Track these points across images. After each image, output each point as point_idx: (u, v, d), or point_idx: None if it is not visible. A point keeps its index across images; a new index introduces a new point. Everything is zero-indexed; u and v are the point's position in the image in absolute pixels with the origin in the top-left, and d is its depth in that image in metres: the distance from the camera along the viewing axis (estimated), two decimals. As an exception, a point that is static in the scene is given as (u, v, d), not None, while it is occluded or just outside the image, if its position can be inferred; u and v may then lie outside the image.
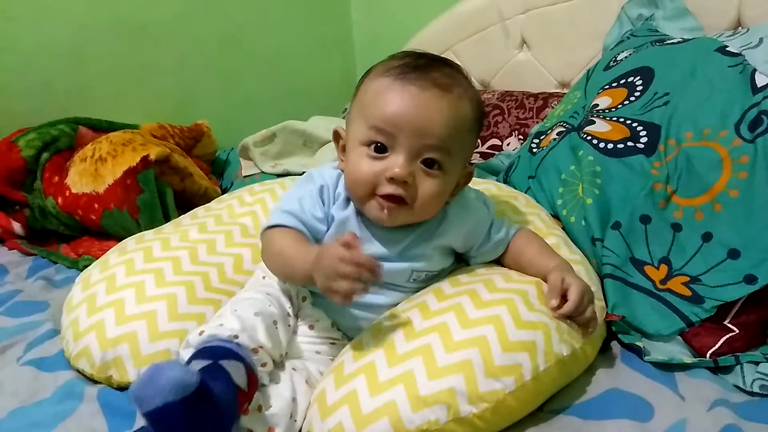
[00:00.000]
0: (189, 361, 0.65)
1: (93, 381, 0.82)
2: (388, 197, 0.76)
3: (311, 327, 0.81)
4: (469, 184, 0.88)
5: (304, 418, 0.71)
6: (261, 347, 0.69)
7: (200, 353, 0.66)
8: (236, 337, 0.67)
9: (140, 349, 0.79)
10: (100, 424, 0.74)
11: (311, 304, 0.83)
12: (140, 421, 0.72)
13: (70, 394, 0.79)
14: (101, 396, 0.78)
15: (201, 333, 0.68)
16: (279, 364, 0.75)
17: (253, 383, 0.66)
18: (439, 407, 0.64)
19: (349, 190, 0.81)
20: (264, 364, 0.69)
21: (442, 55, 0.86)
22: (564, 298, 0.75)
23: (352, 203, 0.82)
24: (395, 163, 0.75)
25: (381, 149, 0.76)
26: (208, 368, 0.62)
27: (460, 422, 0.65)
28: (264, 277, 0.84)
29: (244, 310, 0.72)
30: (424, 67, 0.77)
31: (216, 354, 0.64)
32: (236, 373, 0.63)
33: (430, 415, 0.64)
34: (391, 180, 0.75)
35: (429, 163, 0.76)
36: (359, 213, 0.82)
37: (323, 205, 0.81)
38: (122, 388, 0.80)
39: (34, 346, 0.91)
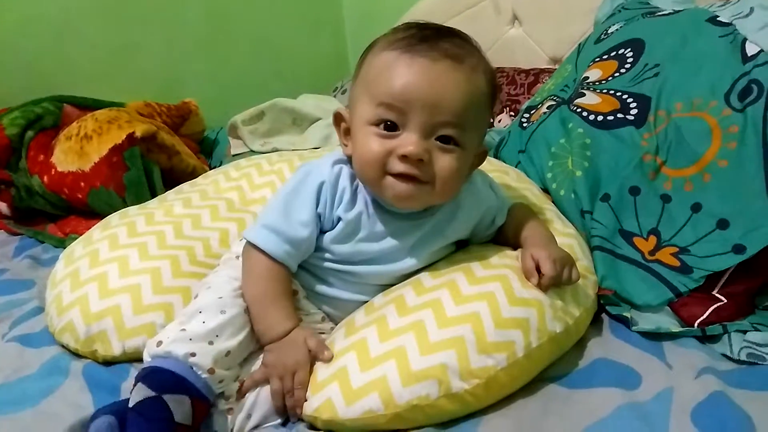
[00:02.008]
0: (136, 382, 0.63)
1: (78, 356, 0.81)
2: (401, 176, 0.71)
3: (299, 320, 0.76)
4: None
5: None
6: (219, 361, 0.66)
7: (150, 376, 0.63)
8: (193, 355, 0.64)
9: (124, 323, 0.79)
10: (86, 399, 0.73)
11: (303, 297, 0.78)
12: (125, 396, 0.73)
13: (55, 369, 0.79)
14: (86, 371, 0.78)
15: (159, 343, 0.65)
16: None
17: (200, 412, 0.64)
18: (431, 382, 0.64)
19: (359, 174, 0.75)
20: (221, 381, 0.66)
21: None
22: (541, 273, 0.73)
23: (360, 196, 0.77)
24: (408, 140, 0.69)
25: (391, 127, 0.70)
26: (149, 403, 0.61)
27: (451, 398, 0.65)
28: (238, 257, 0.80)
29: (211, 308, 0.69)
30: (432, 37, 0.71)
31: (163, 385, 0.62)
32: (179, 409, 0.61)
33: (421, 390, 0.64)
34: (404, 158, 0.69)
35: (444, 140, 0.71)
36: (368, 206, 0.77)
37: (317, 204, 0.75)
38: (107, 362, 0.79)
39: (19, 323, 0.91)
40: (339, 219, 0.76)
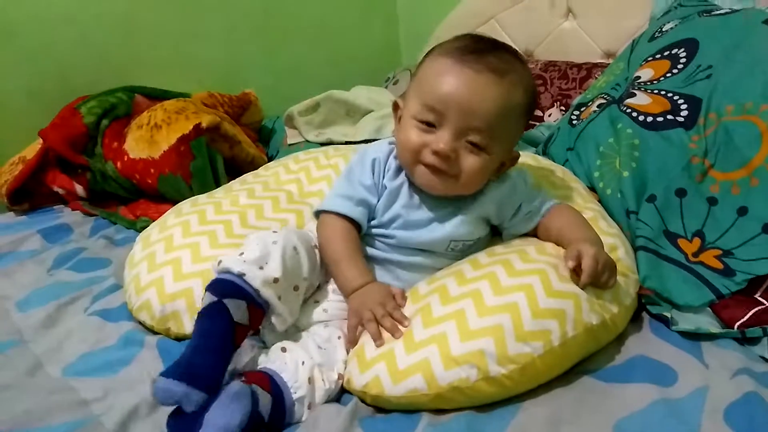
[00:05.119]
0: (205, 291, 0.75)
1: (153, 332, 0.90)
2: (431, 167, 0.82)
3: (374, 278, 0.85)
4: None
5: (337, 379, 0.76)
6: (268, 285, 0.75)
7: (214, 285, 0.74)
8: (243, 274, 0.74)
9: (196, 304, 0.85)
10: (159, 368, 0.79)
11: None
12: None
13: (132, 341, 0.87)
14: (160, 345, 0.86)
15: (219, 263, 0.76)
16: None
17: (256, 316, 0.75)
18: (470, 367, 0.68)
19: (399, 156, 0.88)
20: (280, 297, 0.76)
21: (486, 26, 0.88)
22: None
23: (403, 173, 0.88)
24: (441, 138, 0.80)
25: (430, 124, 0.81)
26: (212, 305, 0.72)
27: (489, 381, 0.69)
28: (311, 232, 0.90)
29: (264, 238, 0.78)
30: (483, 51, 0.81)
31: (224, 291, 0.73)
32: (236, 310, 0.72)
33: (461, 373, 0.68)
34: (435, 153, 0.80)
35: (473, 143, 0.81)
36: (409, 181, 0.88)
37: (373, 175, 0.88)
38: (179, 338, 0.87)
39: (99, 299, 1.00)
40: (385, 187, 0.88)
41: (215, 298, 0.73)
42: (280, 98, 1.88)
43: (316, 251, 0.86)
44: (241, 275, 0.74)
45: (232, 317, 0.72)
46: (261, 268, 0.75)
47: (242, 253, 0.76)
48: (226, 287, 0.74)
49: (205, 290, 0.75)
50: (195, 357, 0.68)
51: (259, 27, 2.03)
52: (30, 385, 0.79)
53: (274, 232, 0.81)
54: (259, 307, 0.75)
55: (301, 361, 0.73)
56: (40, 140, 1.49)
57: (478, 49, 0.81)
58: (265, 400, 0.68)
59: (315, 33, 2.17)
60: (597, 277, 0.76)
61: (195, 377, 0.65)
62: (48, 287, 1.05)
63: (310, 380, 0.72)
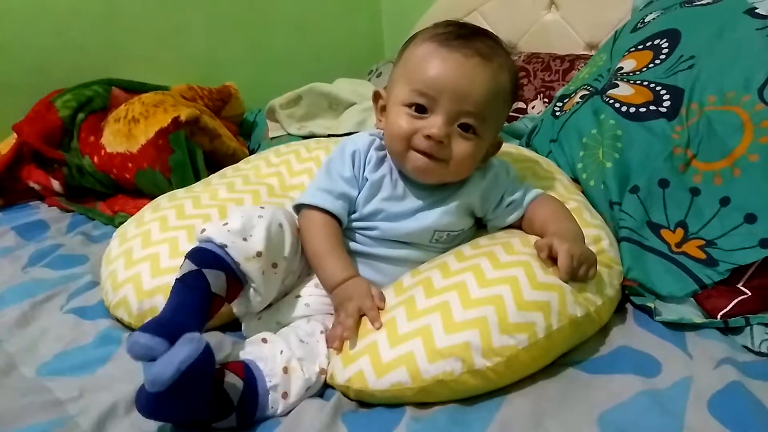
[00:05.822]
0: (184, 260, 0.74)
1: (130, 329, 0.88)
2: (422, 153, 0.81)
3: (357, 272, 0.83)
4: None
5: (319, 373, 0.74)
6: (250, 259, 0.74)
7: (195, 254, 0.74)
8: (226, 246, 0.73)
9: (174, 301, 0.84)
10: (137, 367, 0.77)
11: None
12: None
13: (109, 339, 0.85)
14: (138, 342, 0.84)
15: (203, 231, 0.75)
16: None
17: (234, 289, 0.75)
18: (455, 359, 0.68)
19: (388, 146, 0.87)
20: (263, 272, 0.76)
21: (469, 18, 0.89)
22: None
23: (386, 163, 0.87)
24: (434, 123, 0.79)
25: (421, 110, 0.81)
26: (192, 275, 0.72)
27: (474, 374, 0.68)
28: None
29: (250, 212, 0.78)
30: (468, 36, 0.82)
31: (204, 261, 0.73)
32: (215, 282, 0.72)
33: (445, 366, 0.67)
34: (428, 138, 0.79)
35: (465, 127, 0.81)
36: (392, 172, 0.87)
37: (353, 167, 0.87)
38: (158, 335, 0.85)
39: (75, 296, 0.98)
40: (366, 179, 0.87)
41: (195, 267, 0.72)
42: (262, 92, 1.85)
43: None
44: (223, 246, 0.73)
45: (211, 288, 0.71)
46: (245, 239, 0.75)
47: (226, 223, 0.75)
48: (206, 257, 0.73)
49: (185, 257, 0.74)
50: (170, 319, 0.68)
51: (241, 19, 2.00)
52: (3, 385, 0.77)
53: (261, 207, 0.80)
54: (237, 280, 0.75)
55: (279, 351, 0.72)
56: (15, 135, 1.46)
57: (464, 34, 0.82)
58: (234, 381, 0.67)
59: (298, 25, 2.15)
60: (574, 273, 0.75)
61: (172, 338, 0.63)
62: (23, 285, 1.03)
63: (286, 370, 0.70)
